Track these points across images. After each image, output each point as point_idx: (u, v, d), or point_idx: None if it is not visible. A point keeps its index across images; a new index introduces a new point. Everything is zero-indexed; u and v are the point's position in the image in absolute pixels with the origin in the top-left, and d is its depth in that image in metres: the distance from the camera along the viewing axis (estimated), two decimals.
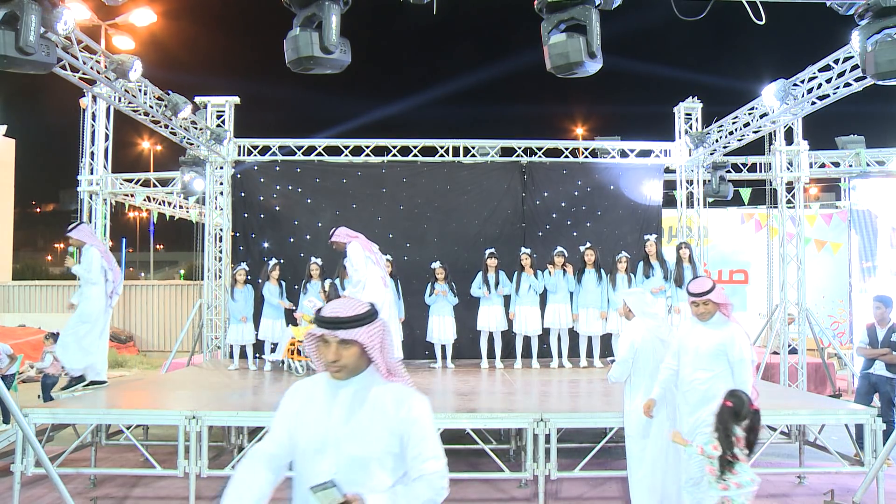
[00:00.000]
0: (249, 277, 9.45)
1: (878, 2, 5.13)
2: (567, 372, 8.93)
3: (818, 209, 16.02)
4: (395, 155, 10.58)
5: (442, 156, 10.58)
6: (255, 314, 9.38)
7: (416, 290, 9.52)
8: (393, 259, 9.34)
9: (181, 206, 14.69)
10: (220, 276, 10.45)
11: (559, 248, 9.31)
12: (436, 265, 9.29)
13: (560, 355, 9.32)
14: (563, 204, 10.44)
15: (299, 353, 8.50)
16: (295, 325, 8.84)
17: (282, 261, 9.63)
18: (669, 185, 10.94)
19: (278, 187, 10.39)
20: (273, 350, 9.09)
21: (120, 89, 7.51)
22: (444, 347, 9.34)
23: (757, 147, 10.60)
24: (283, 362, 8.64)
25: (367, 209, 10.31)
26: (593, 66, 5.07)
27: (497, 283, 9.19)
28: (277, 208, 10.33)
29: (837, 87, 7.10)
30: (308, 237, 10.18)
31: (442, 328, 9.21)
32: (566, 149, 10.92)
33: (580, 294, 9.21)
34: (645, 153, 10.79)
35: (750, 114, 8.88)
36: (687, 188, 10.81)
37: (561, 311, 9.16)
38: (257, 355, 9.37)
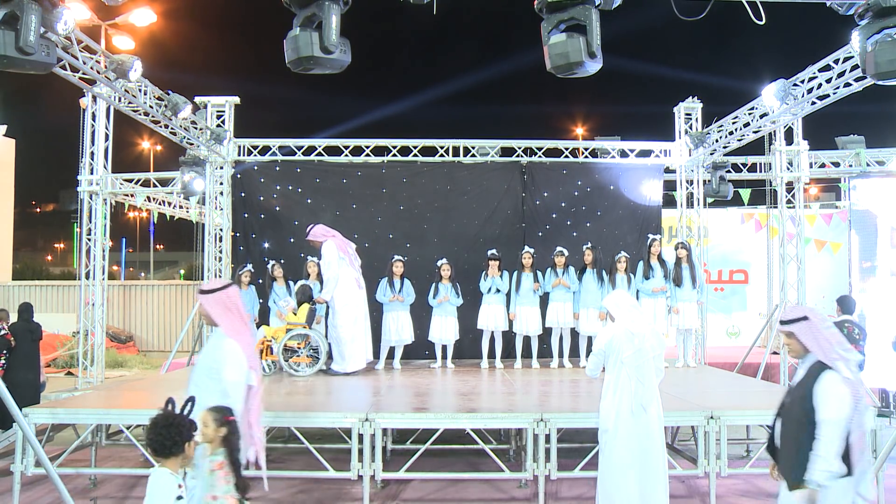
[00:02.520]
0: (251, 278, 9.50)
1: (878, 2, 5.12)
2: (567, 372, 8.93)
3: (818, 209, 16.03)
4: (395, 155, 10.57)
5: (442, 156, 10.57)
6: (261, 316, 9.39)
7: (416, 290, 9.51)
8: (404, 259, 9.31)
9: (181, 206, 14.70)
10: (219, 276, 10.44)
11: (559, 248, 9.31)
12: (441, 262, 9.27)
13: (561, 355, 9.32)
14: (563, 204, 10.43)
15: (271, 351, 8.46)
16: (268, 325, 8.88)
17: (282, 260, 9.63)
18: (669, 185, 10.94)
19: (278, 187, 10.39)
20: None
21: (120, 89, 7.51)
22: (444, 347, 9.34)
23: (757, 147, 10.61)
24: None
25: (367, 209, 10.31)
26: (593, 66, 5.07)
27: (497, 289, 9.22)
28: (277, 208, 10.33)
29: (837, 87, 7.10)
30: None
31: (444, 328, 9.21)
32: (566, 149, 10.92)
33: (580, 294, 9.21)
34: (645, 153, 10.79)
35: (750, 114, 8.88)
36: (687, 188, 10.81)
37: (562, 310, 9.17)
38: None
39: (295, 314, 8.61)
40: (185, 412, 3.30)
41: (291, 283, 9.34)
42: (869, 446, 5.65)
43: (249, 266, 9.57)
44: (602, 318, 5.30)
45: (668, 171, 10.84)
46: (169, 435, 3.18)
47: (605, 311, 5.18)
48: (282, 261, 9.67)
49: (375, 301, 9.23)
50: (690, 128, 10.46)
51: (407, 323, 9.19)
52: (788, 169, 10.72)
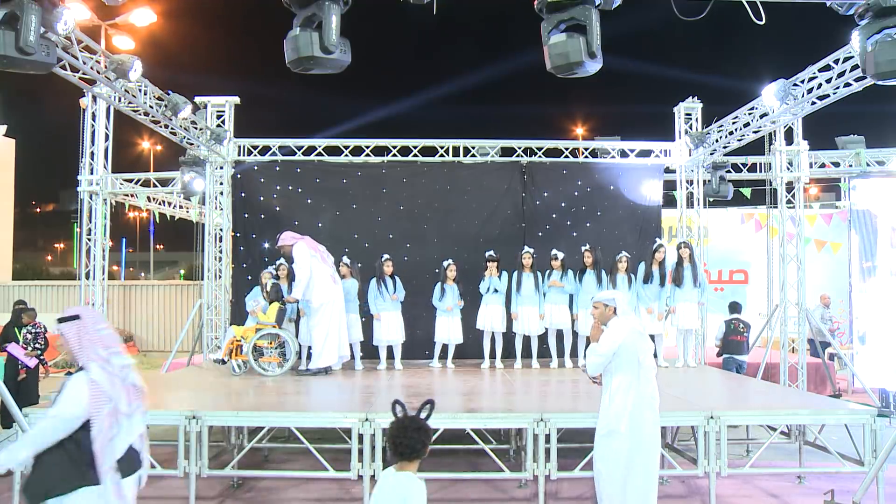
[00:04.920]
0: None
1: (878, 2, 5.13)
2: (567, 372, 8.92)
3: (818, 209, 16.04)
4: (395, 155, 10.57)
5: (442, 156, 10.57)
6: None
7: (416, 291, 9.51)
8: (392, 258, 9.31)
9: (181, 206, 14.70)
10: (220, 276, 10.44)
11: (554, 251, 9.30)
12: (448, 263, 9.26)
13: (560, 355, 9.32)
14: (563, 204, 10.42)
15: (240, 351, 8.41)
16: (238, 325, 8.83)
17: (280, 261, 9.61)
18: (669, 185, 10.93)
19: (278, 187, 10.38)
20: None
21: (120, 89, 7.51)
22: (445, 347, 9.34)
23: (757, 147, 10.61)
24: (223, 361, 8.50)
25: (367, 209, 10.31)
26: (593, 66, 5.07)
27: (496, 289, 9.22)
28: (278, 208, 10.32)
29: (837, 87, 7.10)
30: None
31: (451, 329, 9.23)
32: (566, 149, 10.91)
33: (580, 294, 9.21)
34: (645, 153, 10.79)
35: (750, 114, 8.88)
36: (687, 188, 10.81)
37: (556, 311, 9.17)
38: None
39: (265, 314, 8.58)
40: (425, 415, 3.35)
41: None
42: (870, 447, 5.67)
43: (271, 268, 9.49)
44: (596, 315, 5.16)
45: (668, 171, 10.84)
46: (419, 438, 3.24)
47: (607, 306, 5.03)
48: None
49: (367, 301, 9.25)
50: (690, 128, 10.45)
51: (397, 322, 9.18)
52: (788, 169, 10.72)
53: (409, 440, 3.21)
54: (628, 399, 4.76)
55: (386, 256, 9.22)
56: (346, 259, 9.23)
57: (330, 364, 8.55)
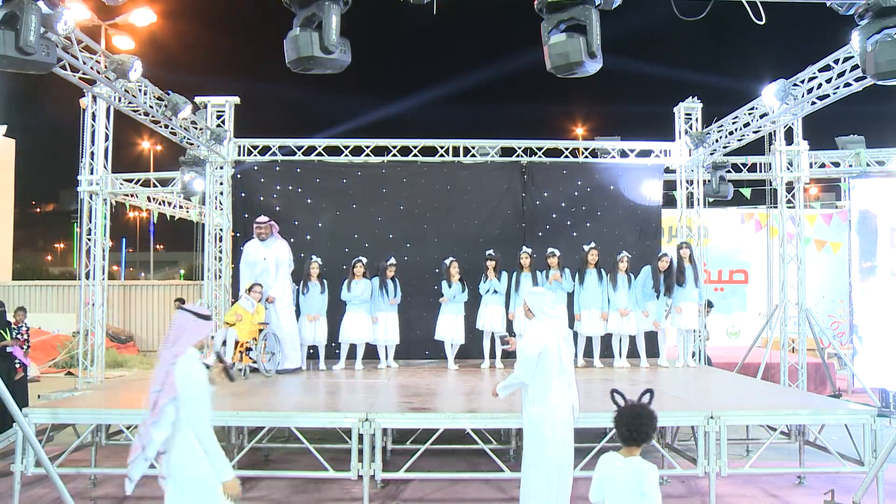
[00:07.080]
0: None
1: (878, 2, 5.13)
2: None
3: (818, 209, 16.05)
4: (395, 155, 10.57)
5: (442, 156, 10.57)
6: None
7: (415, 291, 9.51)
8: (395, 261, 9.36)
9: (181, 206, 14.70)
10: (220, 276, 10.44)
11: (551, 249, 9.30)
12: (450, 260, 9.26)
13: None
14: (563, 204, 10.42)
15: (247, 354, 8.26)
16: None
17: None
18: (669, 185, 10.93)
19: (278, 187, 10.38)
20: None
21: (120, 89, 7.51)
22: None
23: (757, 147, 10.61)
24: (233, 365, 7.99)
25: (367, 209, 10.30)
26: (593, 66, 5.07)
27: (495, 289, 9.21)
28: (278, 208, 10.31)
29: (837, 87, 7.10)
30: (308, 237, 10.17)
31: (454, 328, 9.23)
32: (566, 149, 10.91)
33: (581, 294, 9.21)
34: (645, 153, 10.78)
35: (750, 114, 8.88)
36: (687, 188, 10.80)
37: (561, 311, 9.17)
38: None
39: (255, 314, 8.54)
40: (647, 402, 3.55)
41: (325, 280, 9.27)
42: (870, 447, 5.68)
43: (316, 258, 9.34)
44: (525, 312, 5.22)
45: (668, 171, 10.83)
46: (652, 424, 3.47)
47: (525, 305, 5.08)
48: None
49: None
50: (690, 128, 10.45)
51: (394, 323, 9.22)
52: (788, 169, 10.72)
53: (644, 426, 3.40)
54: (553, 403, 4.81)
55: (392, 261, 9.22)
56: (363, 259, 9.26)
57: (295, 366, 8.81)
